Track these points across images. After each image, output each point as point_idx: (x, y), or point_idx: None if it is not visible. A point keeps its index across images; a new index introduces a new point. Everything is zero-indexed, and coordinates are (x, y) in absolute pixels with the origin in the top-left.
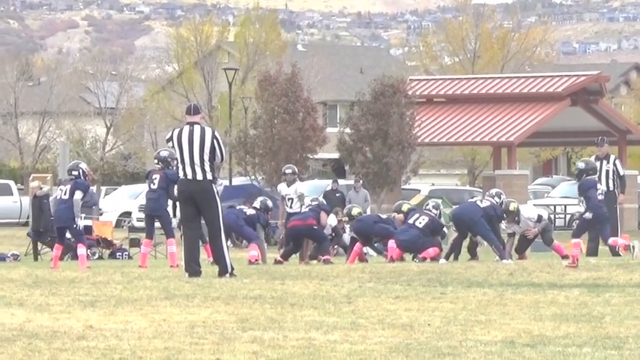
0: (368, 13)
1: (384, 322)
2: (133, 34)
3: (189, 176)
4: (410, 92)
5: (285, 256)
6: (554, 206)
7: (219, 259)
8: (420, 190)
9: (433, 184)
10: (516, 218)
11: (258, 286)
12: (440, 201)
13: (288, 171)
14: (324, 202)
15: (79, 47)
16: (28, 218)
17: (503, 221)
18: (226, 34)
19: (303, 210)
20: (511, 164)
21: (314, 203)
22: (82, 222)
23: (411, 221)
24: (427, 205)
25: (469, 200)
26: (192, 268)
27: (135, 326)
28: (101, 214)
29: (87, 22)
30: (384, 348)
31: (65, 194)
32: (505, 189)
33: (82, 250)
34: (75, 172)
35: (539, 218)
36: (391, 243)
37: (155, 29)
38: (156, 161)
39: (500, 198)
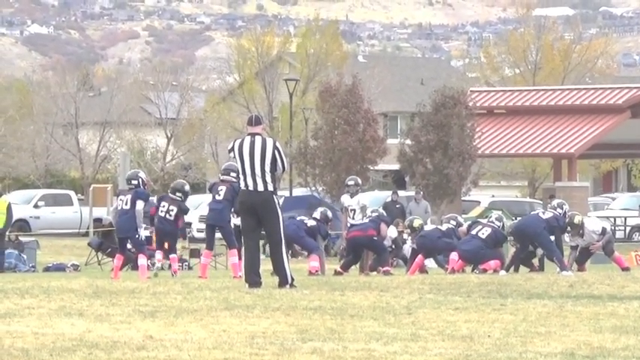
0: (429, 24)
1: (443, 334)
2: (194, 44)
3: (251, 187)
4: (470, 103)
5: (345, 267)
6: (614, 218)
7: (279, 269)
8: (480, 202)
9: (493, 196)
10: (581, 231)
11: (318, 297)
12: (501, 212)
13: (351, 182)
14: (384, 213)
15: (140, 57)
16: (88, 228)
17: (567, 234)
18: (288, 45)
19: (363, 221)
20: (571, 176)
21: (374, 214)
22: (142, 232)
23: (474, 232)
24: (490, 216)
25: (531, 213)
26: (253, 278)
27: (195, 337)
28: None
29: (148, 33)
30: (443, 359)
31: (127, 204)
32: (565, 201)
33: (142, 260)
34: (135, 182)
35: (604, 231)
36: (453, 255)
37: (216, 40)
38: (232, 173)
39: (562, 209)
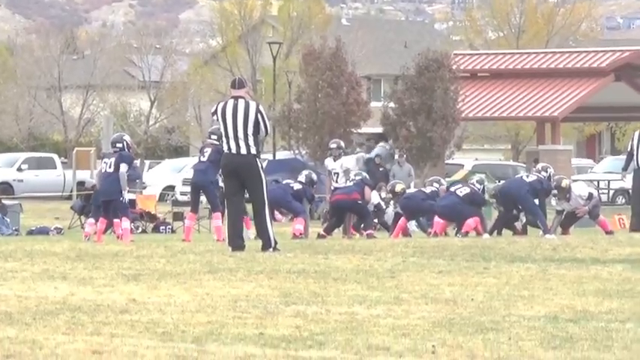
0: None
1: (427, 297)
2: (178, 7)
3: (234, 150)
4: (454, 67)
5: (328, 230)
6: (598, 182)
7: (262, 233)
8: (463, 165)
9: (477, 159)
10: (567, 195)
11: (302, 260)
12: (484, 176)
13: (333, 145)
14: (368, 176)
15: (124, 21)
16: (71, 192)
17: (553, 198)
18: (270, 8)
19: (347, 184)
20: (555, 139)
21: (358, 178)
22: (126, 195)
23: (452, 189)
24: (471, 179)
25: (515, 176)
26: (236, 242)
27: (178, 300)
28: (144, 188)
29: None
30: (426, 323)
31: (110, 167)
32: (549, 164)
33: (126, 223)
34: (119, 145)
35: (590, 196)
36: (437, 218)
37: (199, 3)
38: (212, 136)
39: (547, 172)
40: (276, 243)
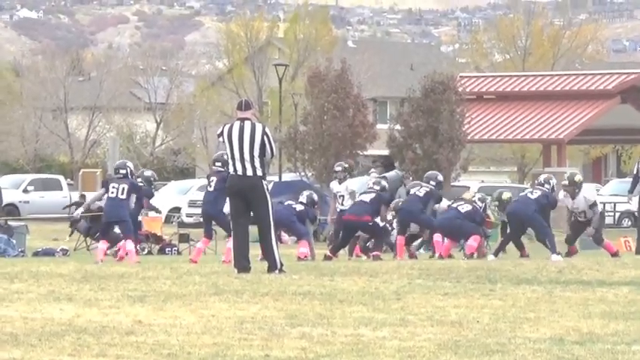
0: (418, 9)
1: (432, 319)
2: (184, 29)
3: (239, 172)
4: (460, 89)
5: (334, 251)
6: (604, 204)
7: (268, 255)
8: (469, 187)
9: (483, 181)
10: (577, 191)
11: (307, 282)
12: (487, 196)
13: (338, 168)
14: (386, 192)
15: (130, 42)
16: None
17: (562, 190)
18: (276, 30)
19: (363, 198)
20: (561, 162)
21: (376, 188)
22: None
23: (454, 205)
24: (474, 197)
25: (520, 194)
26: (242, 263)
27: (184, 322)
28: (151, 210)
29: (137, 18)
30: (432, 345)
31: (122, 194)
32: (551, 176)
33: (130, 245)
34: (123, 171)
35: (594, 205)
36: (437, 237)
37: (205, 25)
38: (217, 163)
39: (549, 184)
40: (282, 265)
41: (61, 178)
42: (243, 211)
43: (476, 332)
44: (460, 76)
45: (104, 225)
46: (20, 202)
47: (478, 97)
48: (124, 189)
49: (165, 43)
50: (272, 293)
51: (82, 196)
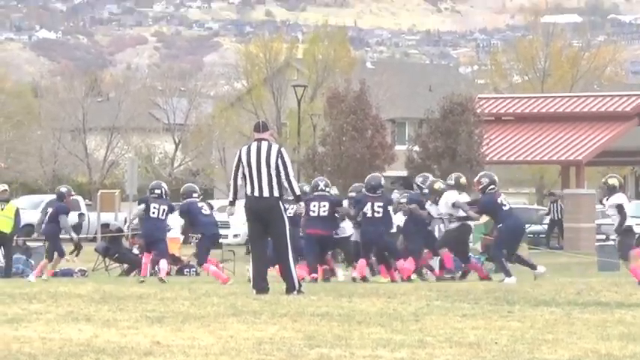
0: (437, 31)
1: (451, 341)
2: (202, 50)
3: (256, 193)
4: (479, 110)
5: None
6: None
7: (286, 276)
8: None
9: None
10: (610, 195)
11: (326, 303)
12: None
13: (353, 194)
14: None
15: (148, 63)
16: (95, 234)
17: (604, 199)
18: (295, 51)
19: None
20: (579, 183)
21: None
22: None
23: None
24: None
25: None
26: (260, 285)
27: (202, 342)
28: (169, 230)
29: (156, 39)
30: None
31: (162, 215)
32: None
33: (163, 264)
34: (158, 191)
35: (621, 208)
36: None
37: (224, 46)
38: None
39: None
40: (300, 286)
41: (79, 198)
42: (261, 232)
43: (494, 354)
44: (479, 98)
45: (146, 245)
46: (38, 222)
47: (497, 118)
48: (164, 210)
49: (183, 64)
50: (290, 314)
51: (81, 215)
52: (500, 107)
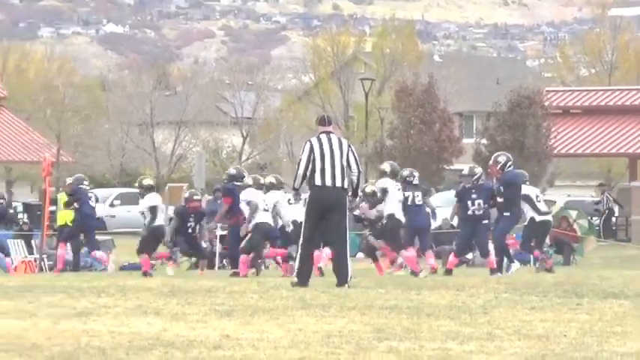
0: (504, 24)
1: (519, 333)
2: (270, 44)
3: (329, 183)
4: (546, 103)
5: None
6: None
7: (342, 267)
8: (555, 202)
9: (569, 196)
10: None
11: (394, 296)
12: (573, 211)
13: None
14: None
15: (216, 57)
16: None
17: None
18: (363, 45)
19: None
20: None
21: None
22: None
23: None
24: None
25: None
26: (305, 283)
27: (271, 336)
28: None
29: (223, 32)
30: (519, 359)
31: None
32: None
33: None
34: (239, 182)
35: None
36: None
37: (292, 39)
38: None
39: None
40: (351, 278)
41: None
42: (318, 227)
43: (563, 346)
44: (546, 91)
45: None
46: (107, 216)
47: (564, 111)
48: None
49: (251, 57)
50: (359, 307)
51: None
52: (568, 100)
